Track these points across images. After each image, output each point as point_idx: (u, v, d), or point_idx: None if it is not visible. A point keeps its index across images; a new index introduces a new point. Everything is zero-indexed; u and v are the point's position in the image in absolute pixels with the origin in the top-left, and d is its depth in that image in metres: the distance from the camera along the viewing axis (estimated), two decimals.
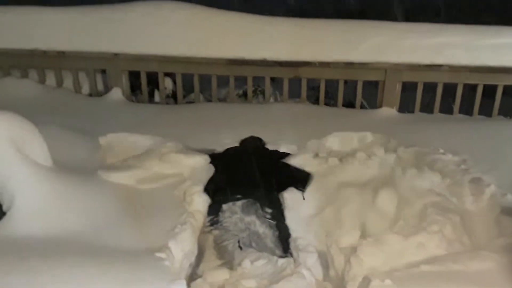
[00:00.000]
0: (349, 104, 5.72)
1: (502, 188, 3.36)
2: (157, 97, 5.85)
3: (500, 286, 2.58)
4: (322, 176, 3.82)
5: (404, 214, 3.31)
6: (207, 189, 3.57)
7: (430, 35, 4.91)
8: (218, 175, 3.78)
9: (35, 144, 3.15)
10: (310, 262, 3.04)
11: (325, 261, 3.11)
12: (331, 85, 5.54)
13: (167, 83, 5.92)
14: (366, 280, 2.57)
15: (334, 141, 4.35)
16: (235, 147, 4.25)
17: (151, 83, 5.68)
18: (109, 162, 3.88)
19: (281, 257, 3.06)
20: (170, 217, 3.16)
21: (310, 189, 3.72)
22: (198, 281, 2.84)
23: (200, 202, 3.43)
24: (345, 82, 5.33)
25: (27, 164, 2.94)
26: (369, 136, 4.38)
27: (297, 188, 3.66)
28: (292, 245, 3.20)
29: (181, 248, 2.84)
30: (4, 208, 2.83)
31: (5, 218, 2.78)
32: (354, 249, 3.00)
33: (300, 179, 3.76)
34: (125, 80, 5.42)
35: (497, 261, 2.75)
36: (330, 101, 5.67)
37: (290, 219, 3.43)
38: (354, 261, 2.89)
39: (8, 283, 2.12)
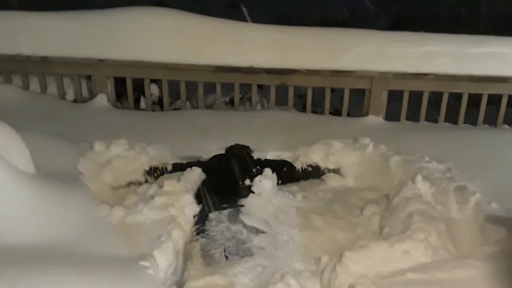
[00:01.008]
0: (336, 112, 5.74)
1: (487, 196, 3.39)
2: (143, 104, 5.81)
3: None
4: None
5: (390, 221, 3.32)
6: (197, 196, 3.56)
7: (417, 44, 4.96)
8: (204, 183, 3.76)
9: (17, 151, 3.09)
10: (296, 270, 3.02)
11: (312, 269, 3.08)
12: (318, 93, 5.56)
13: (153, 89, 5.89)
14: None
15: (321, 149, 4.36)
16: (221, 154, 4.23)
17: (137, 90, 5.64)
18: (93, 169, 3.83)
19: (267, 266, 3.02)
20: (156, 226, 3.12)
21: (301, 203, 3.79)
22: None
23: (188, 211, 3.40)
24: (332, 90, 5.35)
25: (8, 170, 2.88)
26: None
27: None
28: (278, 253, 3.17)
29: (166, 257, 2.81)
30: None
31: None
32: (340, 257, 2.99)
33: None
34: (110, 87, 5.38)
35: (481, 269, 2.76)
36: (317, 108, 5.68)
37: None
38: (340, 268, 2.87)
39: None
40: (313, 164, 4.25)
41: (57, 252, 2.60)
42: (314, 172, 4.20)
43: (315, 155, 4.27)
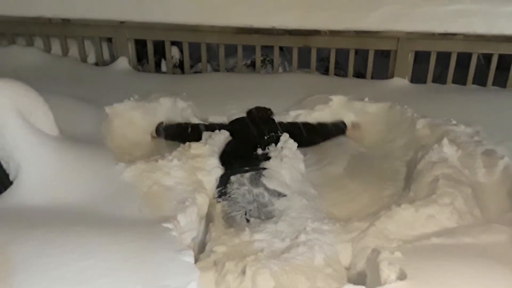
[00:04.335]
0: (359, 75, 5.61)
1: None
2: (164, 67, 5.77)
3: (511, 259, 2.53)
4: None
5: (415, 185, 3.27)
6: (220, 159, 3.56)
7: (445, 2, 4.76)
8: (227, 146, 3.75)
9: (41, 113, 3.11)
10: (318, 233, 3.01)
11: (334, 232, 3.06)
12: (341, 55, 5.42)
13: (174, 52, 5.82)
14: (375, 252, 2.53)
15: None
16: (242, 117, 4.20)
17: (157, 52, 5.60)
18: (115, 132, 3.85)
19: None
20: (182, 190, 3.13)
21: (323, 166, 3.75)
22: (206, 252, 2.82)
23: (214, 174, 3.40)
24: (355, 52, 5.20)
25: (33, 133, 2.91)
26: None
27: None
28: (300, 217, 3.16)
29: (190, 220, 2.82)
30: (11, 177, 2.81)
31: (12, 188, 2.76)
32: (363, 221, 2.96)
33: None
34: (131, 49, 5.34)
35: (508, 234, 2.70)
36: (340, 71, 5.55)
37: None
38: (363, 232, 2.86)
39: (14, 252, 2.11)
40: (337, 123, 4.21)
41: (81, 214, 2.63)
42: (337, 133, 4.13)
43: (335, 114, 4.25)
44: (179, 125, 4.14)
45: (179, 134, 4.02)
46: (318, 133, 4.16)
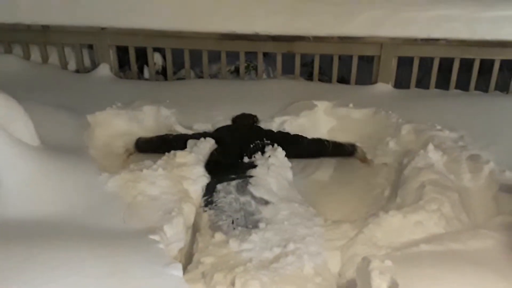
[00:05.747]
0: (342, 80, 5.61)
1: (500, 165, 3.32)
2: (146, 73, 5.70)
3: (500, 265, 2.53)
4: None
5: (402, 192, 3.27)
6: (205, 167, 3.50)
7: (428, 7, 4.79)
8: (213, 153, 3.70)
9: (21, 123, 3.02)
10: (305, 242, 2.98)
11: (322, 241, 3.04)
12: (324, 60, 5.42)
13: (157, 58, 5.76)
14: (366, 261, 2.50)
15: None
16: (228, 125, 4.16)
17: (140, 59, 5.52)
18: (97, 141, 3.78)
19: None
20: (167, 199, 3.07)
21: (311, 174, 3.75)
22: (194, 263, 2.77)
23: (200, 183, 3.34)
24: (339, 57, 5.21)
25: (12, 143, 2.81)
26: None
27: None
28: (288, 225, 3.13)
29: (177, 231, 2.77)
30: None
31: None
32: (351, 229, 2.94)
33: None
34: (113, 56, 5.27)
35: (496, 239, 2.71)
36: (324, 77, 5.55)
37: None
38: (352, 240, 2.83)
39: None
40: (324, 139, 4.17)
41: (64, 226, 2.56)
42: (325, 147, 4.09)
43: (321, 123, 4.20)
44: (160, 137, 4.04)
45: (161, 145, 3.91)
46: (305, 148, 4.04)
